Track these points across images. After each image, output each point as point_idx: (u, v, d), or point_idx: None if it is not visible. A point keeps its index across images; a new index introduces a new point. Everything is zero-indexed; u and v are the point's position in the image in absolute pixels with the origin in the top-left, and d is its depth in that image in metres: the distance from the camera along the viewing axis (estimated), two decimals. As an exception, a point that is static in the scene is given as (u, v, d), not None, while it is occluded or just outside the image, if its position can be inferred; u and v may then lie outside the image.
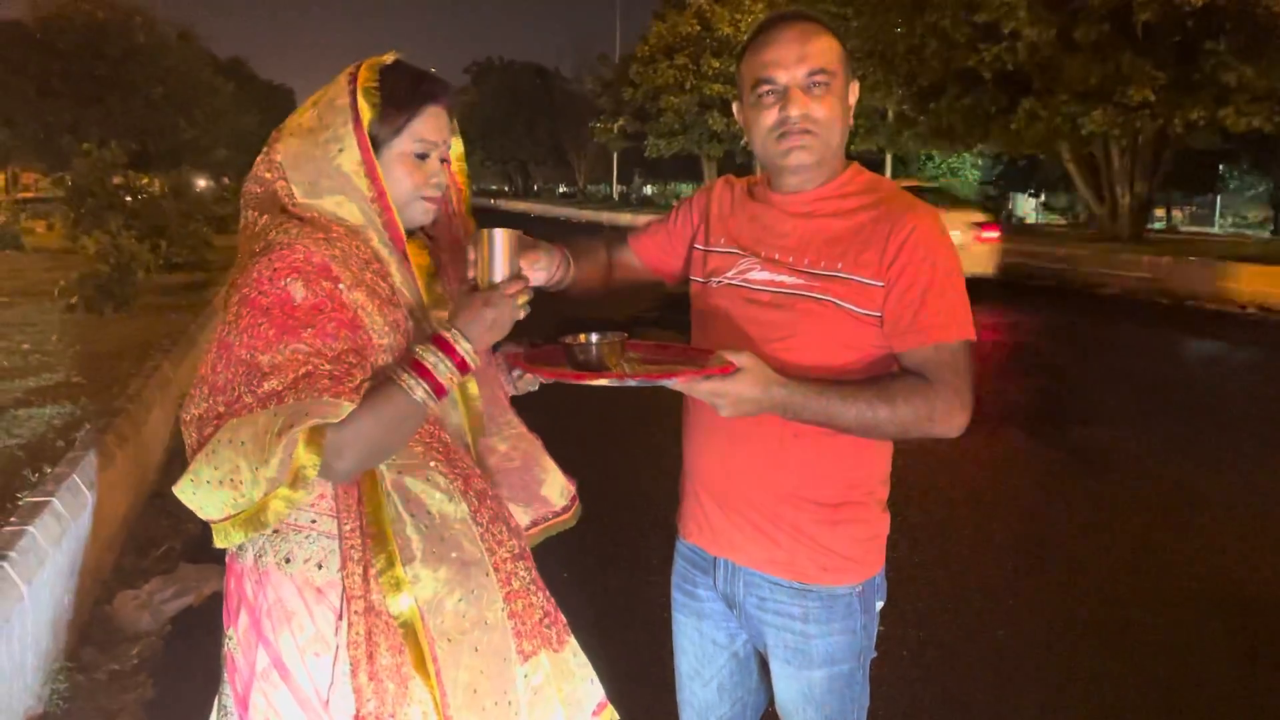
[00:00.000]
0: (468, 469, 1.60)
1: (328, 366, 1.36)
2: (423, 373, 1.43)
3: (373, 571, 1.46)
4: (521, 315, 1.54)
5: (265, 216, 1.51)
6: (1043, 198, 42.74)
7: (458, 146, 1.71)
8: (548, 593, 1.68)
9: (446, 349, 1.45)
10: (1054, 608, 3.96)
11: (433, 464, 1.54)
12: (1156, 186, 23.09)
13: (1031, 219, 42.16)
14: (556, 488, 1.85)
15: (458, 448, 1.61)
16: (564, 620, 1.69)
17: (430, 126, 1.56)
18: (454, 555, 1.52)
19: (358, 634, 1.44)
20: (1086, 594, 4.11)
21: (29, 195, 36.70)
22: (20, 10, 33.24)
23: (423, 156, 1.56)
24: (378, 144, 1.52)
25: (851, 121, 1.72)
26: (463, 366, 1.46)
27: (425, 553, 1.50)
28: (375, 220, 1.52)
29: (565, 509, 1.86)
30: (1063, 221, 38.62)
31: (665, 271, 1.97)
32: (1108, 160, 21.90)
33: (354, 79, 1.51)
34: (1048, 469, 6.07)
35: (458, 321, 1.48)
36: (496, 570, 1.56)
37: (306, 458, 1.31)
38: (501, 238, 1.52)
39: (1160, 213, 37.84)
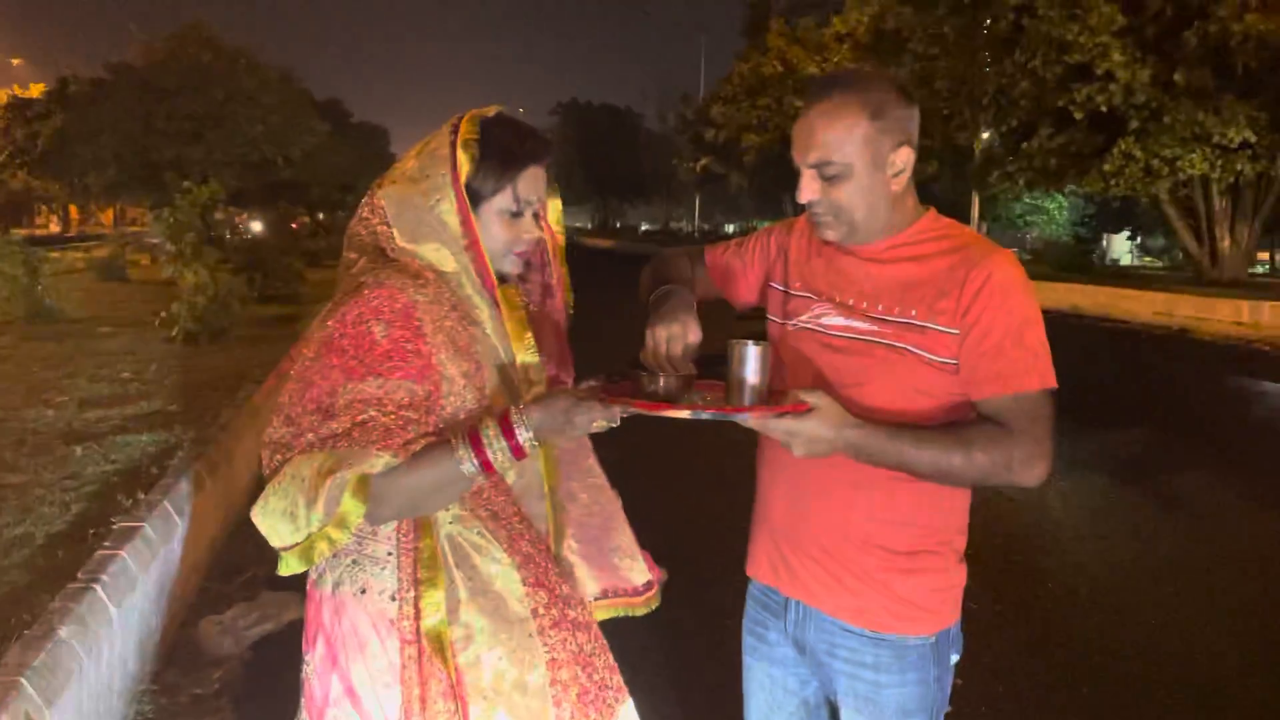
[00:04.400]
0: (516, 531, 1.60)
1: (385, 419, 1.40)
2: (477, 448, 1.44)
3: (423, 614, 1.49)
4: (596, 430, 1.52)
5: (364, 259, 1.57)
6: (1139, 240, 41.59)
7: (556, 205, 1.75)
8: (610, 668, 1.67)
9: (507, 431, 1.45)
10: (1143, 664, 3.81)
11: (479, 523, 1.56)
12: (1258, 229, 22.34)
13: (1126, 261, 41.04)
14: (637, 569, 1.84)
15: (507, 508, 1.61)
16: (617, 697, 1.66)
17: (529, 186, 1.61)
18: (498, 612, 1.53)
19: (410, 677, 1.48)
20: (1177, 650, 3.94)
21: (135, 229, 38.28)
22: (132, 54, 34.90)
23: (518, 214, 1.61)
24: (477, 197, 1.57)
25: (901, 183, 1.65)
26: (518, 452, 1.46)
27: (470, 604, 1.52)
28: (469, 267, 1.56)
29: (639, 591, 1.84)
30: (1159, 264, 37.55)
31: (732, 297, 1.99)
32: (1207, 202, 21.29)
33: (455, 130, 1.56)
34: (1138, 518, 5.86)
35: (532, 408, 1.48)
36: (542, 635, 1.55)
37: (352, 504, 1.37)
38: (755, 352, 1.51)
39: (1264, 256, 36.51)
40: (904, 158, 1.64)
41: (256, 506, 1.43)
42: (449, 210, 1.54)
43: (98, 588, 2.93)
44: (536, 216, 1.66)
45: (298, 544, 1.42)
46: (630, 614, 1.84)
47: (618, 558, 1.82)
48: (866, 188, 1.63)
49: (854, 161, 1.61)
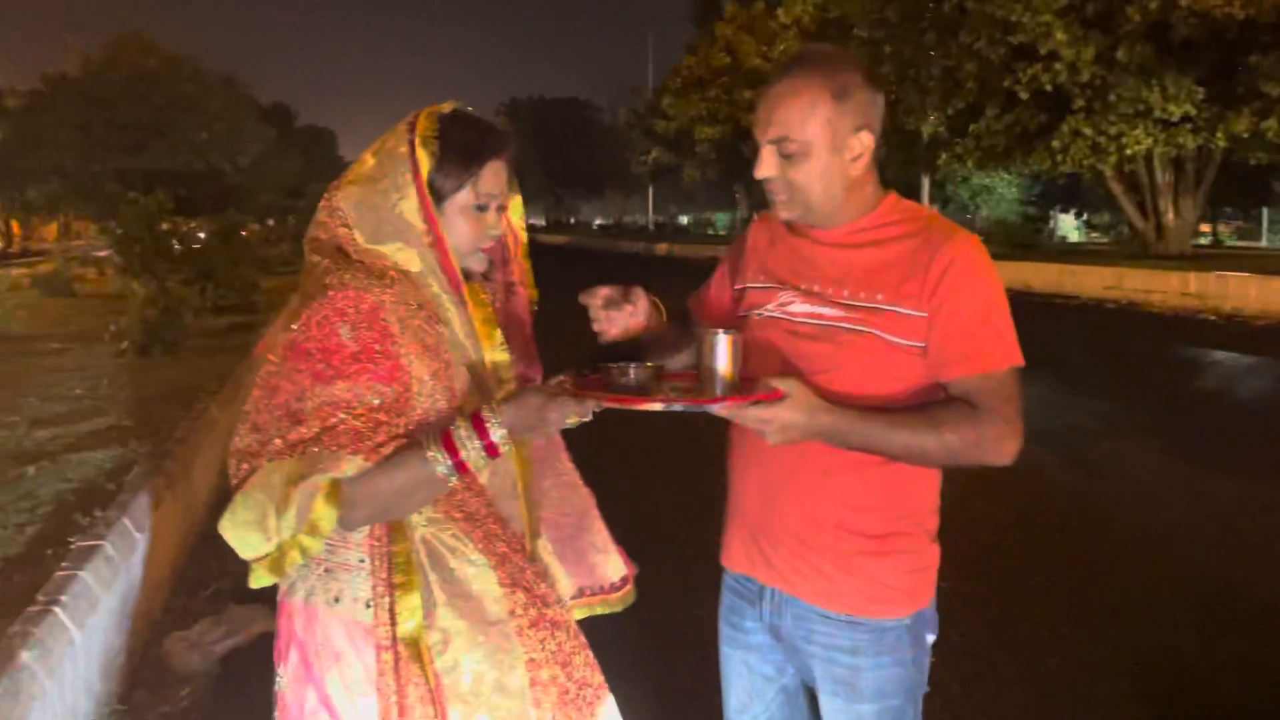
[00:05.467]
0: (491, 531, 1.59)
1: (355, 422, 1.38)
2: (450, 448, 1.43)
3: (398, 619, 1.47)
4: (569, 425, 1.52)
5: (326, 260, 1.54)
6: (1085, 217, 42.26)
7: (517, 201, 1.74)
8: (590, 666, 1.66)
9: (480, 429, 1.44)
10: (1108, 636, 3.87)
11: (453, 524, 1.54)
12: (1201, 202, 22.74)
13: (1074, 238, 41.69)
14: (612, 565, 1.84)
15: (482, 509, 1.59)
16: (597, 695, 1.66)
17: (491, 181, 1.59)
18: (475, 614, 1.52)
19: (388, 684, 1.46)
20: (1140, 621, 4.01)
21: (80, 243, 37.55)
22: (70, 63, 34.27)
23: (482, 209, 1.59)
24: (440, 194, 1.55)
25: (859, 168, 1.65)
26: (491, 450, 1.45)
27: (446, 607, 1.50)
28: (434, 265, 1.54)
29: (615, 587, 1.85)
30: (1106, 240, 38.16)
31: (721, 322, 1.95)
32: (1151, 177, 21.65)
33: (413, 129, 1.54)
34: (1096, 492, 5.95)
35: (504, 406, 1.47)
36: (520, 635, 1.54)
37: (324, 510, 1.34)
38: (725, 341, 1.50)
39: (1206, 229, 37.22)
40: (864, 142, 1.64)
41: (224, 518, 1.40)
42: (411, 209, 1.52)
43: (58, 610, 2.87)
44: (500, 210, 1.64)
45: (269, 555, 1.39)
46: (607, 611, 1.83)
47: (593, 555, 1.82)
48: (824, 169, 1.63)
49: (813, 141, 1.61)
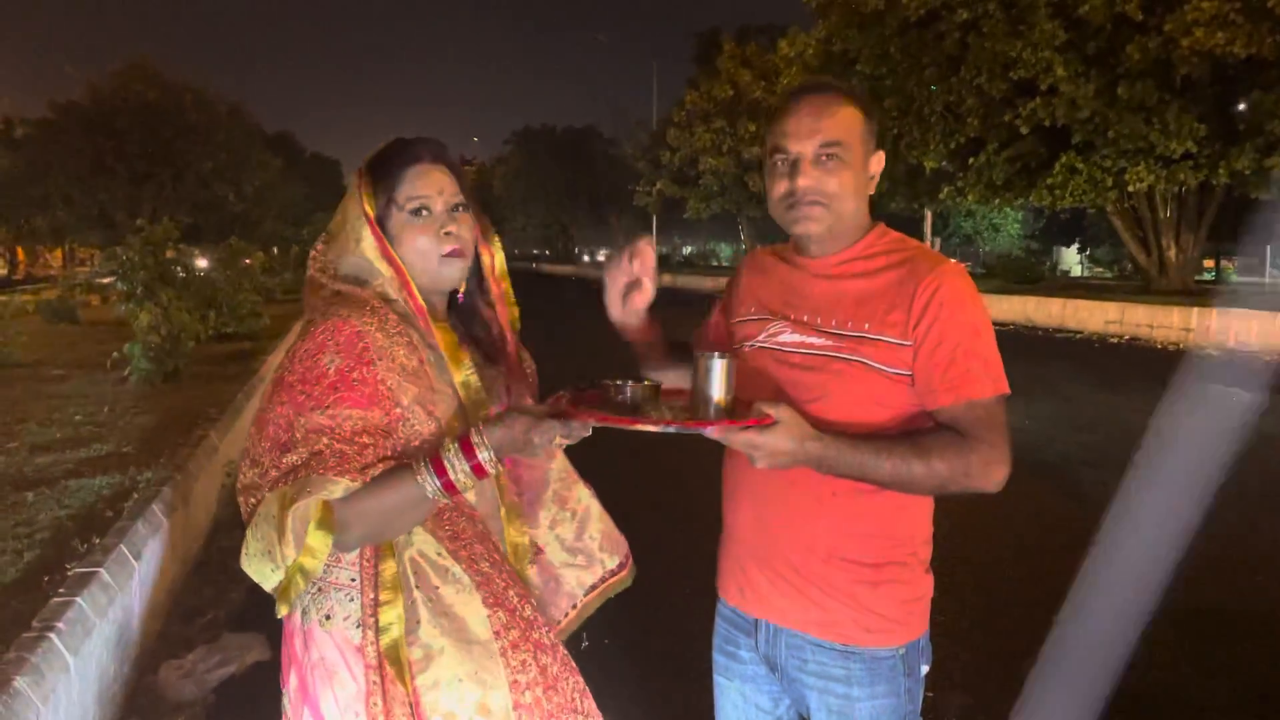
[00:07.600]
0: (476, 552, 1.61)
1: (339, 446, 1.42)
2: (439, 469, 1.46)
3: (380, 630, 1.50)
4: (555, 448, 1.57)
5: (319, 297, 1.63)
6: (1088, 251, 42.41)
7: (486, 222, 1.77)
8: (580, 693, 1.67)
9: (468, 451, 1.47)
10: (1108, 670, 3.84)
11: (439, 544, 1.57)
12: (1203, 238, 22.78)
13: (1076, 272, 41.79)
14: (617, 549, 1.90)
15: (468, 530, 1.62)
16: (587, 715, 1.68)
17: (417, 184, 1.63)
18: (459, 633, 1.53)
19: (375, 704, 1.48)
20: (1141, 659, 3.98)
21: (84, 269, 37.70)
22: (79, 93, 34.56)
23: (418, 211, 1.63)
24: (384, 220, 1.62)
25: (873, 189, 1.74)
26: (479, 471, 1.48)
27: (430, 624, 1.52)
28: (400, 296, 1.61)
29: (622, 566, 1.91)
30: (1109, 274, 38.25)
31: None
32: (1153, 212, 21.70)
33: (360, 175, 1.64)
34: (1096, 528, 5.92)
35: (492, 428, 1.49)
36: (504, 656, 1.55)
37: (317, 531, 1.38)
38: (719, 365, 1.52)
39: (1209, 264, 37.32)
40: (880, 162, 1.73)
41: (242, 554, 1.45)
42: (372, 250, 1.60)
43: (53, 636, 2.86)
44: (458, 210, 1.67)
45: (283, 582, 1.42)
46: (621, 589, 1.91)
47: (599, 549, 1.87)
48: (857, 182, 1.69)
49: (855, 149, 1.67)
